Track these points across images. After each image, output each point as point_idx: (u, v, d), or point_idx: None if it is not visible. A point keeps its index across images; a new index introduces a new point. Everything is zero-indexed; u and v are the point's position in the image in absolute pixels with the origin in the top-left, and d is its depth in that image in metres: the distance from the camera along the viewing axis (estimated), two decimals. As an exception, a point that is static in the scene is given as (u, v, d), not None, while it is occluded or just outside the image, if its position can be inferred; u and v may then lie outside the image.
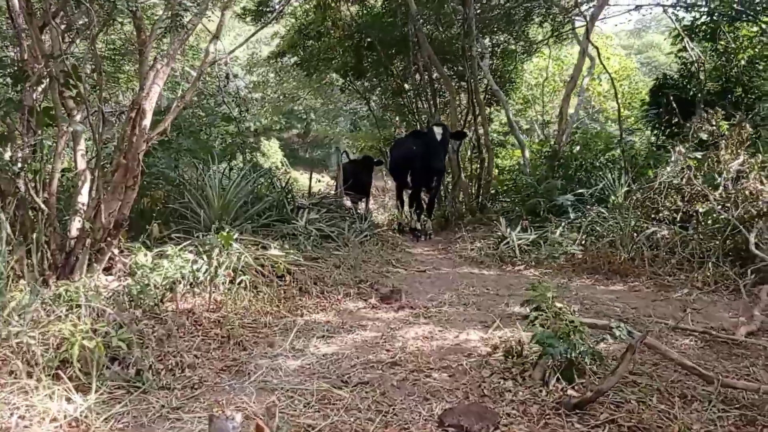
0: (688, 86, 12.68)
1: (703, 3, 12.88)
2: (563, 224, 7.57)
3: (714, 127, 7.76)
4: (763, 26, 12.43)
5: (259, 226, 7.27)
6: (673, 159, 7.92)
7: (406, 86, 13.96)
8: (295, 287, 5.42)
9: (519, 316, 4.76)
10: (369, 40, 13.67)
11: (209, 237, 5.67)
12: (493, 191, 10.45)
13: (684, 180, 6.96)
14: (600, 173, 9.01)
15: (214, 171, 8.00)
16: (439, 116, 12.28)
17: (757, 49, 12.65)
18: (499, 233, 7.81)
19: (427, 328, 4.54)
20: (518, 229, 7.74)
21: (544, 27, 13.96)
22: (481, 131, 10.55)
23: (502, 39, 12.59)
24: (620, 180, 8.60)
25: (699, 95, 11.98)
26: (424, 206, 9.07)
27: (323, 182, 32.67)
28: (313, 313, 4.96)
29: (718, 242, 6.11)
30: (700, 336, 4.24)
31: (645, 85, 23.06)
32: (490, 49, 11.23)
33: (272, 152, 29.58)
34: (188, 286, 5.07)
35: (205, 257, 5.50)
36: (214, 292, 4.99)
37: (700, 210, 6.78)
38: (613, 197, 8.35)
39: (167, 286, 4.89)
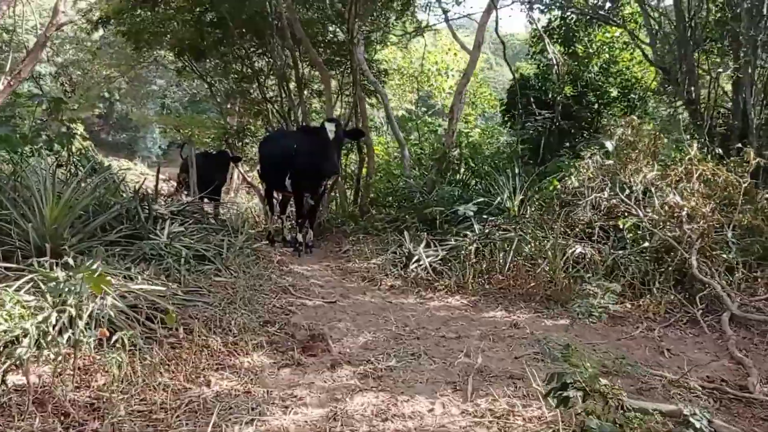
0: (545, 88, 12.81)
1: (557, 4, 13.03)
2: (472, 239, 6.84)
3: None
4: (616, 32, 12.86)
5: (107, 244, 5.64)
6: (583, 165, 7.58)
7: (263, 73, 12.50)
8: (188, 339, 4.04)
9: (491, 373, 3.90)
10: (214, 14, 12.00)
11: (58, 274, 4.10)
12: (372, 195, 9.49)
13: (602, 191, 6.57)
14: (491, 179, 8.46)
15: (36, 168, 6.16)
16: (300, 108, 11.06)
17: (609, 55, 13.07)
18: (403, 249, 6.88)
19: (383, 396, 3.52)
20: (423, 244, 6.88)
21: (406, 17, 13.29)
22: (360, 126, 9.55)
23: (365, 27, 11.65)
24: (514, 187, 8.11)
25: (557, 98, 12.09)
26: (305, 214, 7.84)
27: (139, 172, 29.71)
28: (223, 379, 3.66)
29: (654, 264, 5.76)
30: (707, 392, 3.68)
31: (491, 84, 23.78)
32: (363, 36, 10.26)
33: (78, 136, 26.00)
34: (34, 349, 3.55)
35: (49, 300, 3.97)
36: (77, 356, 3.52)
37: (621, 225, 6.43)
38: (511, 206, 7.82)
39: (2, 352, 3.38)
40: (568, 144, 11.19)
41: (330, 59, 11.28)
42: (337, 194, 9.33)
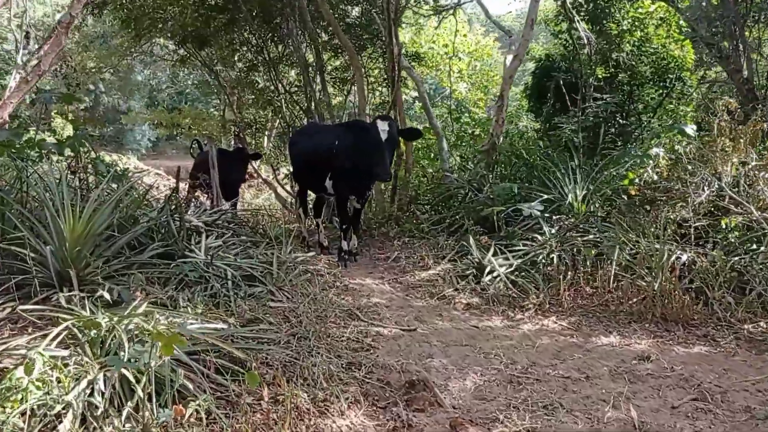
0: (573, 70, 11.99)
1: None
2: (547, 243, 6.01)
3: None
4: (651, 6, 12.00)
5: (139, 266, 4.78)
6: (654, 153, 6.77)
7: (278, 61, 11.52)
8: (270, 397, 3.19)
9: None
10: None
11: (99, 319, 3.26)
12: (411, 193, 8.61)
13: (689, 185, 5.75)
14: (548, 173, 7.62)
15: (45, 176, 5.27)
16: (323, 99, 10.11)
17: (642, 32, 12.19)
18: (471, 259, 6.04)
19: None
20: (491, 252, 6.03)
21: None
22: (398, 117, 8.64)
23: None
24: (575, 180, 7.27)
25: (590, 80, 11.25)
26: (349, 220, 6.96)
27: (133, 167, 28.58)
28: (327, 457, 2.83)
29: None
30: None
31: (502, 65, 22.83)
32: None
33: (66, 131, 24.85)
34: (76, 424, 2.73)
35: (88, 352, 3.19)
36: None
37: (724, 225, 5.63)
38: (576, 204, 6.99)
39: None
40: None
41: (357, 43, 10.34)
42: (372, 192, 8.46)
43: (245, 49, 12.26)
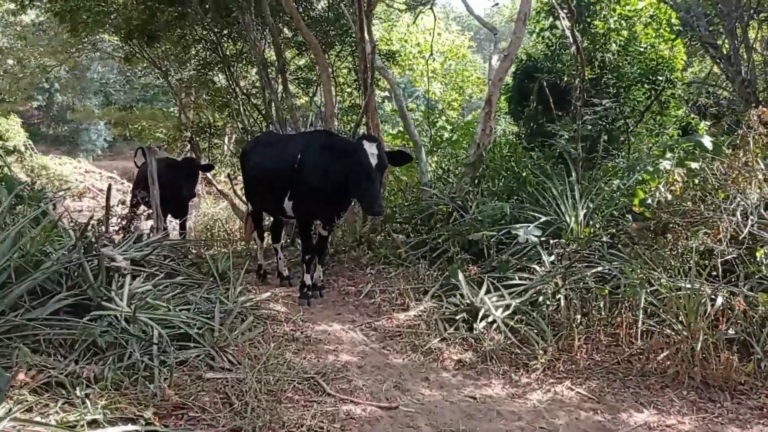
0: (556, 71, 11.16)
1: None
2: (548, 278, 5.07)
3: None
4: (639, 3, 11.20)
5: (40, 323, 3.70)
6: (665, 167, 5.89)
7: (233, 59, 10.37)
8: None
9: None
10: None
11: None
12: (387, 211, 7.55)
13: (737, 210, 4.84)
14: (541, 189, 6.68)
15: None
16: (285, 101, 9.00)
17: (630, 31, 11.35)
18: (460, 299, 5.04)
19: None
20: (484, 288, 5.05)
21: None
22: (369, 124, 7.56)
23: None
24: (574, 198, 6.35)
25: (576, 81, 10.39)
26: (313, 249, 5.89)
27: (83, 170, 27.00)
28: None
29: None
30: None
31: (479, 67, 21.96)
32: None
33: (13, 132, 23.29)
34: None
35: None
36: None
37: (759, 258, 4.73)
38: (575, 227, 6.06)
39: None
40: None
41: (324, 40, 9.25)
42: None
43: (200, 46, 11.10)
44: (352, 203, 6.15)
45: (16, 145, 23.32)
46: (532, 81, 10.74)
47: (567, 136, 7.01)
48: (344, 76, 10.28)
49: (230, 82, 10.23)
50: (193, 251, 6.91)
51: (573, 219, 6.17)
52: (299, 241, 6.67)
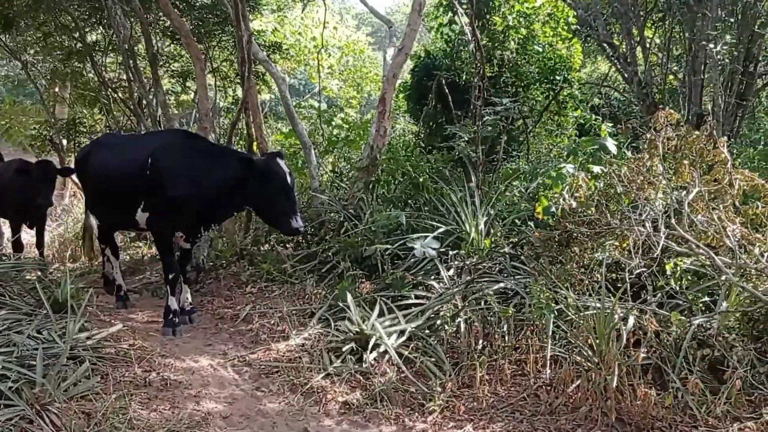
0: (455, 68, 10.89)
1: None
2: (447, 297, 4.56)
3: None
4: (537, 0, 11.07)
5: None
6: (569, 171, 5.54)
7: (99, 48, 9.25)
8: None
9: None
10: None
11: None
12: None
13: (647, 221, 4.50)
14: (438, 195, 6.22)
15: None
16: (156, 95, 8.05)
17: (528, 29, 11.19)
18: (348, 324, 4.42)
19: None
20: (376, 311, 4.47)
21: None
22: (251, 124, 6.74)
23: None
24: (474, 205, 5.92)
25: (475, 80, 10.12)
26: (178, 265, 5.14)
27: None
28: None
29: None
30: None
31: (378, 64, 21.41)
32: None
33: None
34: None
35: None
36: None
37: (669, 271, 4.43)
38: (476, 237, 5.62)
39: None
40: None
41: (203, 29, 8.34)
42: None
43: (64, 35, 9.88)
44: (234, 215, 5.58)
45: None
46: (431, 79, 10.39)
47: (466, 138, 6.55)
48: (227, 69, 9.41)
49: (96, 75, 9.13)
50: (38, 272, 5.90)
51: (473, 228, 5.73)
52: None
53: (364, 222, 5.87)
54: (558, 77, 10.83)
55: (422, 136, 10.61)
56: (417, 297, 4.80)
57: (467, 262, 5.20)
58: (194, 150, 5.00)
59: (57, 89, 11.43)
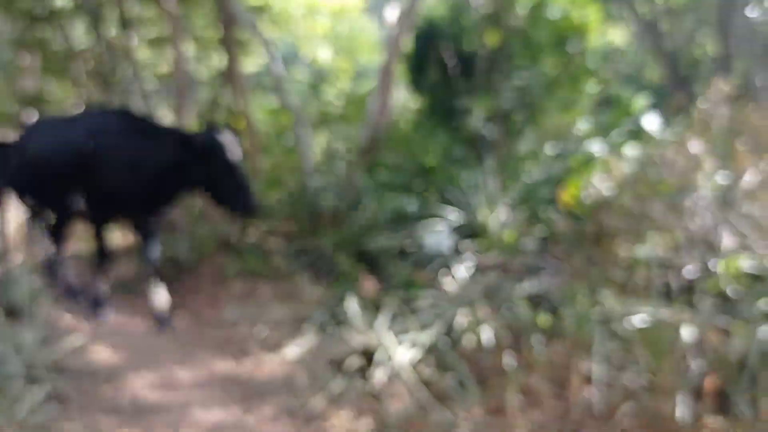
0: (458, 36, 10.35)
1: None
2: (462, 299, 4.08)
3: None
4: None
5: None
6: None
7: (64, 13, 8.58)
8: None
9: None
10: None
11: None
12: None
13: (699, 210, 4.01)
14: (445, 178, 5.71)
15: None
16: (130, 66, 7.43)
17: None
18: (353, 336, 3.93)
19: None
20: (383, 317, 3.98)
21: None
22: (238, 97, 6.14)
23: None
24: (488, 191, 5.42)
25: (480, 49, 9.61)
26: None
27: None
28: None
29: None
30: None
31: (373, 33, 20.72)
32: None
33: None
34: None
35: None
36: None
37: (724, 270, 3.95)
38: (491, 226, 5.12)
39: None
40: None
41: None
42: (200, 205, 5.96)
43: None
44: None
45: None
46: (433, 48, 9.90)
47: (481, 114, 6.02)
48: (210, 36, 8.72)
49: (63, 41, 8.47)
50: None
51: (489, 217, 5.22)
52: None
53: (365, 210, 5.35)
54: (572, 46, 10.29)
55: (426, 112, 10.12)
56: (427, 298, 4.30)
57: (486, 258, 4.71)
58: (130, 131, 4.76)
59: (22, 60, 10.74)
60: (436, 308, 4.09)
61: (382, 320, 3.92)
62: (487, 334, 3.70)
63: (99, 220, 4.95)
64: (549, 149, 6.06)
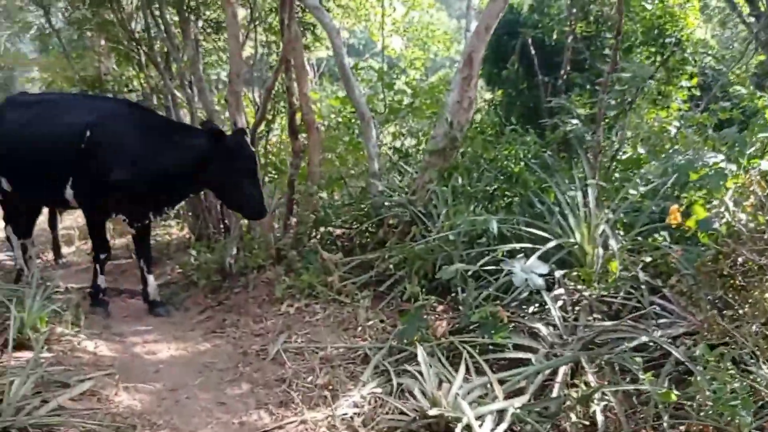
0: (543, 26, 9.57)
1: None
2: (566, 360, 3.14)
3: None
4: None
5: None
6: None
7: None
8: None
9: None
10: None
11: None
12: (320, 213, 5.32)
13: None
14: (535, 189, 4.73)
15: None
16: (188, 52, 6.73)
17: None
18: (415, 376, 3.05)
19: None
20: (460, 375, 3.07)
21: None
22: (295, 89, 5.32)
23: None
24: (587, 207, 4.41)
25: (568, 40, 8.71)
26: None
27: None
28: None
29: None
30: None
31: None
32: None
33: None
34: None
35: None
36: None
37: None
38: (588, 251, 4.12)
39: None
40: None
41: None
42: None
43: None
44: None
45: None
46: (514, 37, 9.08)
47: (580, 115, 4.98)
48: (273, 18, 7.93)
49: (121, 25, 7.88)
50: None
51: (586, 240, 4.23)
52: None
53: (438, 224, 4.43)
54: (668, 39, 9.18)
55: (503, 107, 9.27)
56: (516, 347, 3.37)
57: (584, 295, 3.73)
58: (143, 125, 4.63)
59: (89, 42, 10.32)
60: (528, 365, 3.15)
61: (459, 379, 3.02)
62: (599, 411, 2.74)
63: (95, 214, 4.78)
64: (655, 156, 4.97)
